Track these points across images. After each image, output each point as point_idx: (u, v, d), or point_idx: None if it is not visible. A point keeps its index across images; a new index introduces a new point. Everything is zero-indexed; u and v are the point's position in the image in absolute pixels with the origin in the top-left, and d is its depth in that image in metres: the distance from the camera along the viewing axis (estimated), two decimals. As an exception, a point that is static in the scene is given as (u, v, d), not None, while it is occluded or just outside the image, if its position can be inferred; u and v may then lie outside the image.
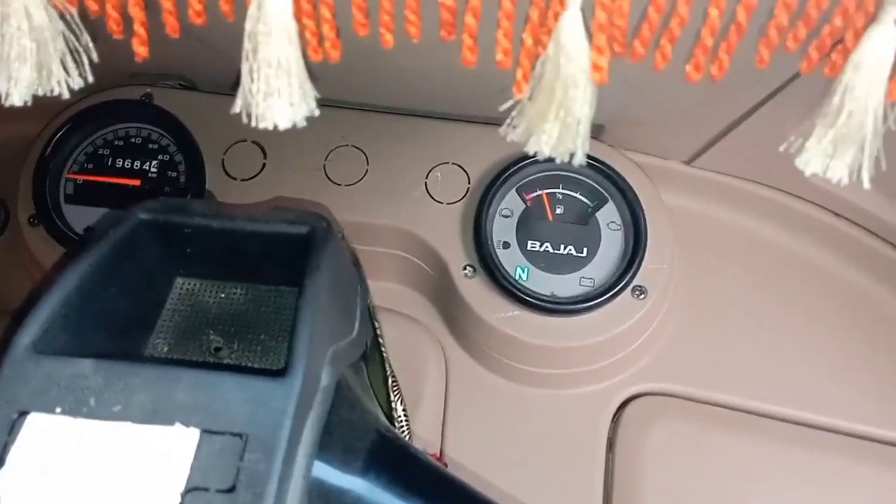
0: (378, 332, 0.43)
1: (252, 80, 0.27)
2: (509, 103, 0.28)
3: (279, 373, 0.29)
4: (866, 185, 0.25)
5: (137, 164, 0.59)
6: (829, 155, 0.25)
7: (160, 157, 0.60)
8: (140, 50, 0.28)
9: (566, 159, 0.28)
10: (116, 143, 0.60)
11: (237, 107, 0.28)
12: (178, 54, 0.57)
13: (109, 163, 0.60)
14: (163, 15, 0.28)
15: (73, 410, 0.28)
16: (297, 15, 0.27)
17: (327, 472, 0.30)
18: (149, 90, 0.61)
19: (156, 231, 0.37)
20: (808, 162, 0.26)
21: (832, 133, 0.25)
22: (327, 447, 0.30)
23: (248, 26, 0.26)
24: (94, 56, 0.29)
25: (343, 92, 0.59)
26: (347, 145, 0.60)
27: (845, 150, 0.25)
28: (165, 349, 0.38)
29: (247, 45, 0.26)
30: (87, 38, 0.28)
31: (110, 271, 0.34)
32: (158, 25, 0.29)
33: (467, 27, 0.27)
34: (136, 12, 0.27)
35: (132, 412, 0.28)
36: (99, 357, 0.30)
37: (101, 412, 0.28)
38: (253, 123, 0.27)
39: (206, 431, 0.27)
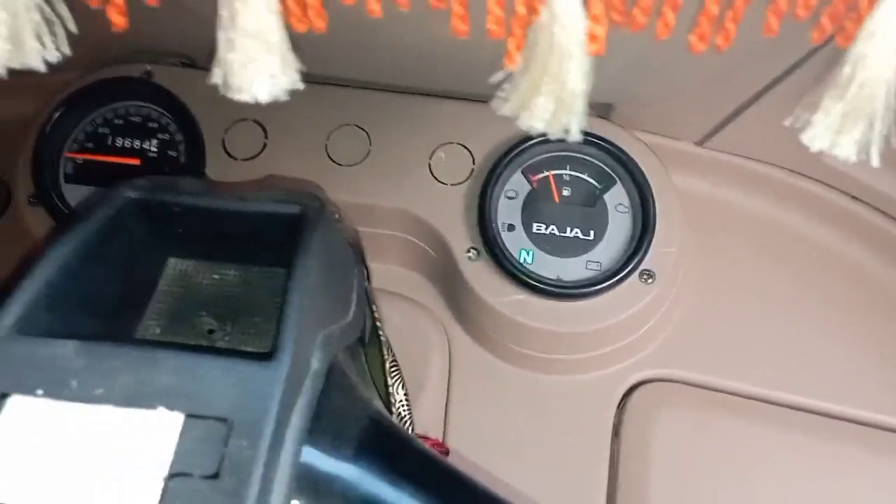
0: (376, 315, 0.42)
1: (229, 49, 0.26)
2: (501, 75, 0.27)
3: (266, 356, 0.28)
4: (874, 162, 0.23)
5: (137, 143, 0.59)
6: (837, 130, 0.24)
7: (160, 135, 0.59)
8: (118, 20, 0.27)
9: (561, 136, 0.27)
10: (116, 121, 0.59)
11: (215, 77, 0.27)
12: (176, 30, 0.56)
13: (109, 142, 0.59)
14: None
15: (55, 393, 0.27)
16: (279, -18, 0.26)
17: (317, 458, 0.29)
18: (148, 68, 0.60)
19: (144, 210, 0.36)
20: (814, 137, 0.24)
21: (841, 106, 0.23)
22: (317, 433, 0.29)
23: (224, -7, 0.25)
24: (73, 27, 0.28)
25: (344, 69, 0.58)
26: (350, 124, 0.58)
27: (855, 124, 0.23)
28: (157, 331, 0.37)
29: (223, 13, 0.25)
30: (63, 8, 0.27)
31: (96, 251, 0.34)
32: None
33: (458, -5, 0.26)
34: (114, -20, 0.26)
35: (114, 395, 0.27)
36: (83, 339, 0.29)
37: (83, 395, 0.27)
38: (232, 95, 0.26)
39: (189, 416, 0.27)
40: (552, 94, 0.26)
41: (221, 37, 0.26)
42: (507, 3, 0.26)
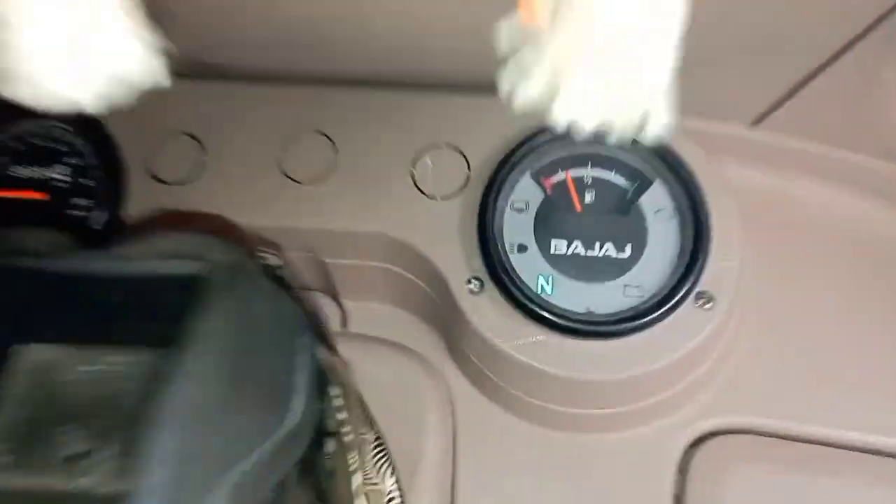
0: (337, 404, 0.30)
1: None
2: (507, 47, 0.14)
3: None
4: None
5: (43, 172, 0.49)
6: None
7: (71, 161, 0.49)
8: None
9: (625, 140, 0.15)
10: (15, 146, 0.49)
11: None
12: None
13: (10, 172, 0.49)
14: None
15: None
16: None
17: None
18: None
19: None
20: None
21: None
22: None
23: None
24: None
25: (298, 62, 0.49)
26: (310, 131, 0.50)
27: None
28: (9, 461, 0.25)
29: None
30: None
31: None
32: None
33: None
34: None
35: None
36: None
37: None
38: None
39: None
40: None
41: None
42: None
